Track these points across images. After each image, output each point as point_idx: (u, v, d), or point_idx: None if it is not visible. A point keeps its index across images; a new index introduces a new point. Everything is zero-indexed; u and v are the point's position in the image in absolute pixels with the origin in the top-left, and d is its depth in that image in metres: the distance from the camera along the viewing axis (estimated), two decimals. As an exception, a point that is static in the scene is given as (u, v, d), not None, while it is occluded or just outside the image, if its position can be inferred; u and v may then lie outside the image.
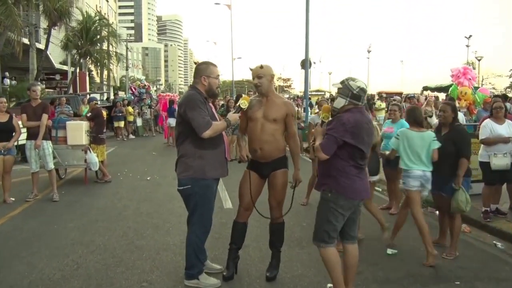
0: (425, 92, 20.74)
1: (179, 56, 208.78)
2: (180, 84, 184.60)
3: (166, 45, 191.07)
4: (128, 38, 56.32)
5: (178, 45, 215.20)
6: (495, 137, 6.21)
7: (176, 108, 17.15)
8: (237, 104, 4.01)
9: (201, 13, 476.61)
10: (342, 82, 3.57)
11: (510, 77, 50.14)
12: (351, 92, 3.45)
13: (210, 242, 3.96)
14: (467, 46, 48.97)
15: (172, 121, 15.76)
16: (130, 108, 19.32)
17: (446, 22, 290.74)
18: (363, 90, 3.48)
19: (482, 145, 6.44)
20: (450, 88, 11.16)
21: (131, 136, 19.33)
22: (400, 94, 35.26)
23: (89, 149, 8.46)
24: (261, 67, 4.09)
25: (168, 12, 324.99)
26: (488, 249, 5.37)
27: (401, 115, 6.82)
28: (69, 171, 9.74)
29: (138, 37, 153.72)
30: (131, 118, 19.39)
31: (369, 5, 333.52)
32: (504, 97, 13.99)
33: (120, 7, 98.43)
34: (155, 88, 56.14)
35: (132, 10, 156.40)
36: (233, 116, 3.87)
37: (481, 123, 6.81)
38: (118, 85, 52.22)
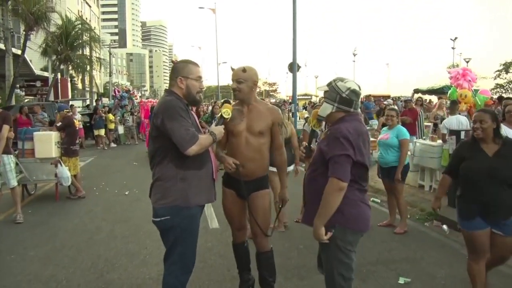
0: (416, 95, 20.19)
1: (164, 61, 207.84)
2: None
3: (150, 51, 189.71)
4: (112, 43, 55.37)
5: (163, 50, 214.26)
6: (511, 144, 5.57)
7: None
8: (219, 114, 3.32)
9: (186, 18, 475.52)
10: (329, 84, 2.84)
11: (495, 79, 50.26)
12: (339, 96, 2.75)
13: (194, 272, 3.18)
14: (453, 48, 49.12)
15: (154, 129, 15.07)
16: (110, 115, 18.51)
17: (431, 25, 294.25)
18: (354, 93, 2.76)
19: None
20: (449, 91, 10.57)
21: (113, 145, 18.50)
22: (388, 97, 35.02)
23: (60, 162, 7.67)
24: (244, 70, 3.43)
25: (152, 17, 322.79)
26: (505, 270, 4.60)
27: (398, 121, 6.17)
28: (40, 185, 8.90)
29: (123, 43, 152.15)
30: (112, 126, 18.61)
31: (353, 8, 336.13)
32: (500, 99, 13.53)
33: (103, 12, 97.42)
34: (140, 94, 55.15)
35: (115, 16, 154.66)
36: (217, 129, 3.13)
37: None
38: (102, 91, 51.28)
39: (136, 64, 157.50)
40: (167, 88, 3.16)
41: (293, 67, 16.88)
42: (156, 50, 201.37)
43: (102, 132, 17.82)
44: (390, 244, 5.39)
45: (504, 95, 21.83)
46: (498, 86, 45.38)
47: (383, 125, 9.36)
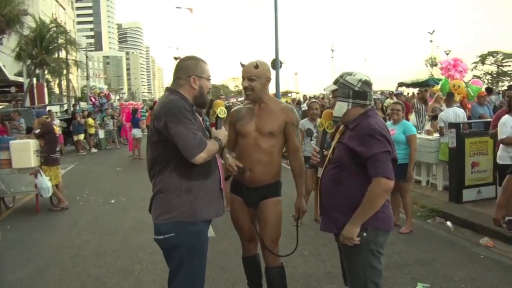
0: (400, 88, 20.17)
1: (141, 63, 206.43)
2: (143, 92, 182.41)
3: (127, 53, 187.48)
4: (88, 46, 54.34)
5: (140, 52, 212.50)
6: (518, 136, 5.35)
7: (138, 118, 15.63)
8: (215, 116, 2.85)
9: (162, 19, 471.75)
10: (336, 82, 2.63)
11: (472, 70, 50.92)
12: (352, 90, 2.56)
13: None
14: (431, 41, 49.64)
15: (136, 132, 14.67)
16: (90, 120, 17.93)
17: (409, 18, 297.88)
18: (367, 84, 2.58)
19: (501, 146, 5.59)
20: (441, 82, 10.36)
21: (93, 150, 17.93)
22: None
23: (40, 172, 7.18)
24: (256, 66, 3.08)
25: (128, 19, 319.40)
26: None
27: (403, 116, 5.89)
28: (19, 197, 8.35)
29: (99, 46, 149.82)
30: (92, 131, 18.04)
31: (330, 4, 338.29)
32: (489, 90, 13.47)
33: (78, 15, 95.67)
34: (118, 97, 54.26)
35: (91, 18, 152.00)
36: (221, 133, 2.75)
37: (495, 120, 6.00)
38: (80, 95, 50.28)
39: (113, 66, 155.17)
40: (168, 86, 2.76)
41: (276, 64, 16.66)
42: (133, 52, 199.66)
43: (81, 137, 17.28)
44: (398, 245, 5.09)
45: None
46: (475, 77, 46.03)
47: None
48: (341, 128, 2.73)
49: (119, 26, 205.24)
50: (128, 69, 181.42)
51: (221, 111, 2.84)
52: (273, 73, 18.61)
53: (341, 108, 2.59)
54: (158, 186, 2.59)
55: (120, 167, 12.87)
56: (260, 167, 3.12)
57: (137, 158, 14.38)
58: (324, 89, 2.83)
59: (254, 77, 3.07)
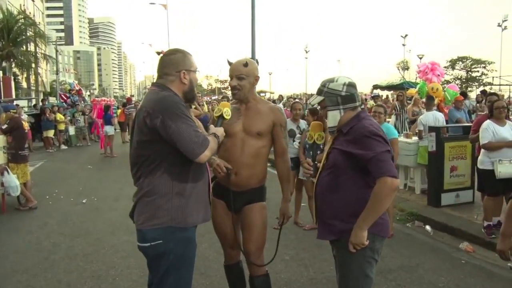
0: (376, 91, 20.31)
1: (112, 59, 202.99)
2: (115, 89, 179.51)
3: (99, 48, 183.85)
4: (58, 40, 52.94)
5: (111, 48, 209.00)
6: (500, 141, 5.38)
7: (111, 115, 15.22)
8: (219, 115, 2.76)
9: (135, 14, 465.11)
10: (320, 92, 2.54)
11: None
12: (340, 96, 2.48)
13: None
14: (403, 45, 50.60)
15: (109, 129, 14.29)
16: (60, 115, 17.35)
17: (383, 22, 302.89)
18: (351, 85, 2.51)
19: (482, 151, 5.59)
20: (418, 85, 10.43)
21: (63, 147, 17.33)
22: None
23: (7, 170, 6.82)
24: (246, 64, 2.94)
25: (100, 14, 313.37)
26: (503, 273, 4.50)
27: (385, 119, 5.83)
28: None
29: (69, 40, 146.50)
30: (62, 127, 17.46)
31: (304, 5, 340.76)
32: (464, 95, 13.68)
33: (48, 8, 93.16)
34: (88, 93, 53.01)
35: (61, 12, 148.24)
36: (219, 130, 2.62)
37: (475, 125, 6.02)
38: (49, 90, 48.93)
39: (84, 62, 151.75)
40: (155, 82, 2.55)
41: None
42: (104, 48, 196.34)
43: (50, 133, 16.69)
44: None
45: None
46: (445, 82, 47.20)
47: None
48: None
49: (91, 21, 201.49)
50: (99, 65, 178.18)
51: (227, 112, 2.75)
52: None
53: (334, 117, 2.51)
54: (146, 188, 2.38)
55: (91, 165, 12.47)
56: (246, 170, 2.97)
57: (109, 156, 13.99)
58: (310, 103, 2.74)
59: (244, 75, 2.93)
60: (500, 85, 30.29)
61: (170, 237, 2.36)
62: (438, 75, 9.63)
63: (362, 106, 2.60)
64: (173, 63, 2.49)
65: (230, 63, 3.02)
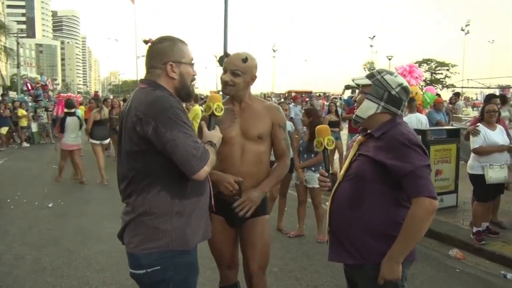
0: (348, 91, 20.33)
1: (77, 54, 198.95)
2: (78, 84, 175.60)
3: (62, 42, 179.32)
4: (19, 32, 50.94)
5: (75, 42, 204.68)
6: (491, 145, 5.27)
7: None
8: (209, 112, 2.33)
9: (101, 8, 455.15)
10: (371, 76, 2.18)
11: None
12: (388, 93, 2.13)
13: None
14: (371, 46, 51.39)
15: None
16: (22, 111, 16.47)
17: (350, 23, 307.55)
18: (405, 91, 2.16)
19: (472, 155, 5.46)
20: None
21: (25, 144, 16.50)
22: (310, 93, 35.61)
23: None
24: (245, 59, 2.60)
25: (64, 7, 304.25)
26: (498, 282, 4.40)
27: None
28: None
29: (31, 33, 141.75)
30: (24, 123, 16.59)
31: (272, 3, 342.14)
32: (457, 95, 13.80)
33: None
34: (51, 88, 51.33)
35: (23, 3, 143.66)
36: (215, 135, 2.21)
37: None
38: (9, 84, 47.06)
39: (46, 56, 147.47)
40: (143, 78, 2.15)
41: (224, 61, 16.33)
42: (68, 42, 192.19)
43: (4, 130, 15.71)
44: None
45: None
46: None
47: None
48: (359, 137, 2.29)
49: (54, 13, 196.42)
50: (63, 59, 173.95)
51: (218, 108, 2.32)
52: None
53: (368, 109, 2.15)
54: (141, 208, 1.99)
55: (56, 164, 11.76)
56: (248, 180, 2.63)
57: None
58: (353, 80, 2.31)
59: (240, 72, 2.60)
60: (462, 87, 31.05)
61: (170, 263, 2.00)
62: (416, 77, 9.56)
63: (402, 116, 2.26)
64: (159, 53, 2.09)
65: (227, 55, 2.67)
